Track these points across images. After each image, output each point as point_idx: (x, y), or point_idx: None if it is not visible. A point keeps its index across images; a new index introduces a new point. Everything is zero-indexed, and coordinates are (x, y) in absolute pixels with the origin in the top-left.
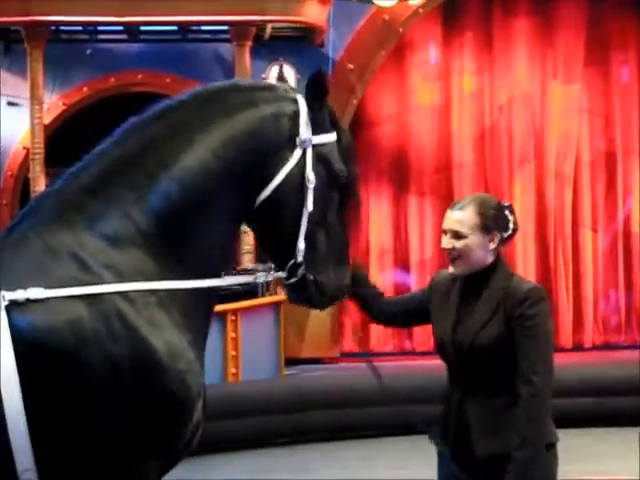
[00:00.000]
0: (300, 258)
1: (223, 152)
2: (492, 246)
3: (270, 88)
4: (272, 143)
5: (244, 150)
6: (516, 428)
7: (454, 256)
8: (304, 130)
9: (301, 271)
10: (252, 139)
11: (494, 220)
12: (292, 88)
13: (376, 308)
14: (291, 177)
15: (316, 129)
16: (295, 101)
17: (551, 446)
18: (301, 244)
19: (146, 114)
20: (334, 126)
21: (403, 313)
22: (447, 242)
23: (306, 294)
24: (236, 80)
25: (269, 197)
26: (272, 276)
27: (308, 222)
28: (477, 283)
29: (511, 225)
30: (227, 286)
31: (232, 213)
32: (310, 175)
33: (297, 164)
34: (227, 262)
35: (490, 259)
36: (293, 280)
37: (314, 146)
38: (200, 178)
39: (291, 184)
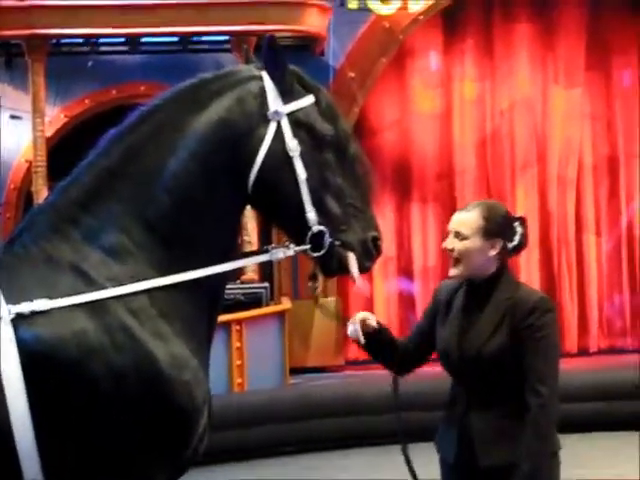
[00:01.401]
0: (315, 227)
1: (200, 150)
2: (492, 253)
3: (233, 73)
4: (244, 126)
5: (218, 142)
6: (523, 438)
7: (454, 257)
8: (272, 103)
9: (327, 239)
10: (223, 129)
11: (498, 227)
12: (258, 66)
13: (399, 361)
14: (273, 152)
15: (286, 97)
16: (260, 78)
17: (554, 454)
18: (310, 214)
19: (125, 123)
20: (308, 89)
21: (421, 344)
22: (449, 242)
23: (337, 260)
24: (202, 75)
25: (259, 178)
26: (294, 250)
27: (309, 190)
28: (481, 293)
29: (517, 237)
30: (242, 265)
31: (227, 206)
32: (291, 144)
33: (275, 138)
34: (230, 256)
35: (492, 268)
36: (322, 252)
37: (289, 114)
38: (183, 182)
39: (276, 159)
